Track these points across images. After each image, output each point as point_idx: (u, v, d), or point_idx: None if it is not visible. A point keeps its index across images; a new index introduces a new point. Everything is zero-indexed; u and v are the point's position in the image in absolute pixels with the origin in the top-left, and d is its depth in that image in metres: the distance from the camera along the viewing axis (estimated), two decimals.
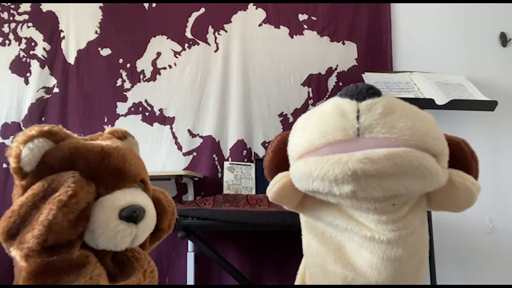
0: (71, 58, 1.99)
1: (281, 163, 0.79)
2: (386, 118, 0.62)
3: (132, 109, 1.94)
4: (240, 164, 1.80)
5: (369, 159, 0.59)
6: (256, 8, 2.04)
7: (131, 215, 0.65)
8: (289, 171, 0.76)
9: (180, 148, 1.90)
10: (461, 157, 0.74)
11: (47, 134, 0.64)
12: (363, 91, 0.64)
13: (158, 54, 1.99)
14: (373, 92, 0.65)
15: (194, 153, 1.90)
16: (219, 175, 1.85)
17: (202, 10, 2.03)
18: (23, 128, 1.90)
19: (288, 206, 0.82)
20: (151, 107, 1.95)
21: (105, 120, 1.92)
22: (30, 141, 0.63)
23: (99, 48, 2.00)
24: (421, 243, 0.73)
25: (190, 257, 1.72)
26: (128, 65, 1.98)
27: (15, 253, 0.58)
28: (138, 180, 0.74)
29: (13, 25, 2.01)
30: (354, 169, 0.59)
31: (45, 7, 2.03)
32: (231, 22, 2.02)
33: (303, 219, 0.86)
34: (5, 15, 2.01)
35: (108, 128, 0.84)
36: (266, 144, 1.88)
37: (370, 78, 1.84)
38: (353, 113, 0.63)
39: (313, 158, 0.65)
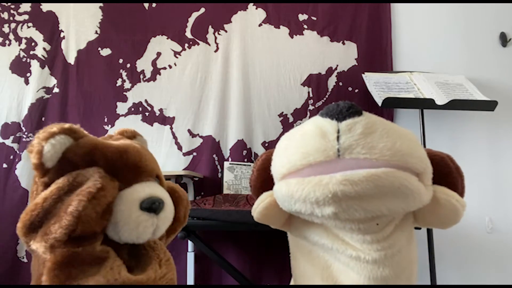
0: (71, 58, 1.99)
1: (266, 181, 0.79)
2: (366, 139, 0.62)
3: (132, 109, 1.94)
4: (240, 164, 1.80)
5: (349, 181, 0.59)
6: (256, 8, 2.04)
7: (151, 206, 0.67)
8: (273, 191, 0.76)
9: (180, 148, 1.90)
10: (447, 173, 0.73)
11: (68, 131, 0.66)
12: (344, 111, 0.64)
13: (158, 54, 1.99)
14: (353, 111, 0.64)
15: (194, 153, 1.90)
16: (219, 175, 1.85)
17: (202, 10, 2.03)
18: (23, 128, 1.90)
19: (274, 225, 0.82)
20: (151, 107, 1.95)
21: (105, 120, 1.92)
22: (52, 137, 0.64)
23: (99, 48, 2.00)
24: (408, 262, 0.72)
25: (190, 257, 1.72)
26: (128, 65, 1.98)
27: (37, 245, 0.60)
28: (154, 175, 0.76)
29: (13, 25, 2.01)
30: (334, 191, 0.59)
31: (45, 7, 2.03)
32: (231, 22, 2.02)
33: (291, 238, 0.86)
34: (5, 15, 2.01)
35: (117, 130, 0.86)
36: (266, 144, 1.88)
37: (370, 78, 1.84)
38: (334, 134, 0.63)
39: (294, 179, 0.65)
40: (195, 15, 2.03)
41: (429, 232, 1.59)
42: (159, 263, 0.70)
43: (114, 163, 0.69)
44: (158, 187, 0.74)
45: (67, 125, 0.66)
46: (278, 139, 0.78)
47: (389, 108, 1.90)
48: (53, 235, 0.58)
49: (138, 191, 0.68)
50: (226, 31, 2.01)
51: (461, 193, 0.73)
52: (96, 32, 2.01)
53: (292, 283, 0.91)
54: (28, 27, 2.01)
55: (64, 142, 0.66)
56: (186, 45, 2.00)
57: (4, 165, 1.85)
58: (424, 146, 1.70)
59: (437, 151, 0.76)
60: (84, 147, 0.68)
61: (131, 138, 0.84)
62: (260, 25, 2.02)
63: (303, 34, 2.02)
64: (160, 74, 1.98)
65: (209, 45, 2.00)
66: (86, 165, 0.66)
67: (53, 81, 1.96)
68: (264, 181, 0.80)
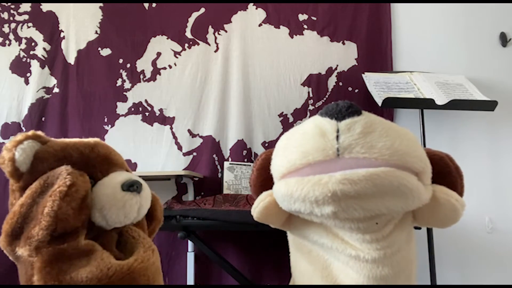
0: (71, 58, 1.99)
1: (266, 181, 0.79)
2: (365, 138, 0.62)
3: (132, 109, 1.94)
4: (240, 164, 1.80)
5: (348, 180, 0.59)
6: (256, 8, 2.04)
7: (132, 186, 0.71)
8: (272, 190, 0.76)
9: (180, 148, 1.90)
10: (446, 173, 0.74)
11: (33, 137, 0.70)
12: (343, 110, 0.64)
13: (158, 54, 1.99)
14: (353, 111, 0.64)
15: (194, 153, 1.90)
16: (219, 175, 1.85)
17: (202, 10, 2.03)
18: (23, 128, 1.90)
19: (274, 225, 0.82)
20: (151, 107, 1.95)
21: (105, 120, 1.92)
22: (20, 144, 0.68)
23: (99, 48, 2.00)
24: (407, 261, 0.72)
25: (190, 257, 1.72)
26: (128, 65, 1.98)
27: (22, 250, 0.61)
28: (125, 169, 0.80)
29: (13, 25, 2.01)
30: (334, 190, 0.59)
31: (45, 7, 2.03)
32: (231, 22, 2.02)
33: (291, 237, 0.86)
34: (5, 15, 2.01)
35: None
36: (266, 144, 1.88)
37: (370, 78, 1.84)
38: (333, 133, 0.63)
39: (294, 179, 0.66)
40: (195, 15, 2.03)
41: (429, 232, 1.59)
42: (152, 251, 0.73)
43: (88, 155, 0.72)
44: (132, 173, 0.78)
45: (30, 132, 0.70)
46: (278, 139, 0.78)
47: (389, 108, 1.90)
48: (35, 237, 0.60)
49: (116, 177, 0.72)
50: (226, 31, 2.01)
51: (460, 192, 0.73)
52: (96, 32, 2.01)
53: (291, 282, 0.91)
54: (28, 27, 2.01)
55: (33, 145, 0.69)
56: (186, 45, 2.00)
57: None
58: (424, 146, 1.70)
59: (436, 151, 0.76)
60: (55, 146, 0.71)
61: None
62: (260, 25, 2.02)
63: (303, 34, 2.02)
64: (160, 74, 1.98)
65: (209, 45, 2.00)
66: (59, 161, 0.69)
67: (53, 81, 1.96)
68: (264, 180, 0.81)
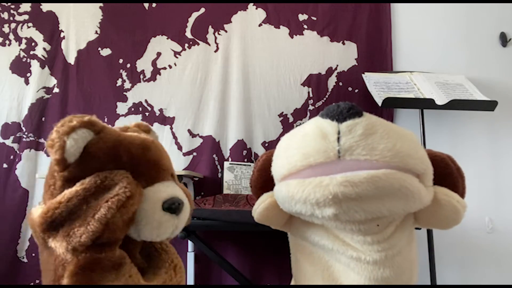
0: (71, 58, 1.99)
1: (267, 182, 0.79)
2: (366, 140, 0.61)
3: (132, 109, 1.94)
4: (240, 164, 1.80)
5: (350, 182, 0.59)
6: (256, 8, 2.04)
7: (173, 207, 0.67)
8: (273, 192, 0.76)
9: (180, 148, 1.90)
10: (447, 174, 0.73)
11: (88, 125, 0.65)
12: (344, 112, 0.64)
13: (158, 54, 1.99)
14: (354, 112, 0.64)
15: (194, 153, 1.90)
16: (219, 175, 1.85)
17: (202, 10, 2.03)
18: (23, 128, 1.90)
19: (274, 226, 0.82)
20: (151, 107, 1.95)
21: (105, 120, 1.92)
22: (73, 131, 0.63)
23: (99, 48, 2.00)
24: (408, 263, 0.72)
25: (190, 257, 1.72)
26: (128, 65, 1.98)
27: (57, 244, 0.59)
28: (170, 174, 0.76)
29: (13, 25, 2.01)
30: (335, 192, 0.59)
31: (45, 7, 2.03)
32: (231, 22, 2.02)
33: (291, 238, 0.86)
34: (5, 15, 2.01)
35: (133, 122, 0.84)
36: (266, 144, 1.87)
37: (370, 78, 1.84)
38: (334, 135, 0.63)
39: (295, 180, 0.65)
40: (195, 15, 2.03)
41: (429, 232, 1.58)
42: (173, 269, 0.71)
43: (138, 159, 0.68)
44: (177, 187, 0.74)
45: (86, 118, 0.66)
46: (278, 139, 0.78)
47: (389, 108, 1.90)
48: (78, 238, 0.58)
49: (160, 191, 0.68)
50: (226, 31, 2.01)
51: (461, 194, 0.73)
52: (96, 32, 2.01)
53: (292, 283, 0.91)
54: (28, 27, 2.01)
55: (86, 136, 0.65)
56: (186, 45, 2.00)
57: (5, 165, 1.85)
58: (424, 146, 1.70)
59: (437, 152, 0.76)
60: (108, 142, 0.67)
61: (146, 132, 0.84)
62: (260, 25, 2.02)
63: (303, 34, 2.02)
64: (160, 74, 1.98)
65: (209, 45, 2.00)
66: (109, 160, 0.66)
67: (53, 81, 1.96)
68: (264, 181, 0.80)
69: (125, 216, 0.61)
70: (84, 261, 0.60)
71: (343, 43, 2.01)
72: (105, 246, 0.61)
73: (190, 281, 1.69)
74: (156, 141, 0.76)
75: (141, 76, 1.97)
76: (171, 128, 1.92)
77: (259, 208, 0.77)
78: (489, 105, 1.67)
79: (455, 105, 1.65)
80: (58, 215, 0.59)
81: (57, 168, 0.64)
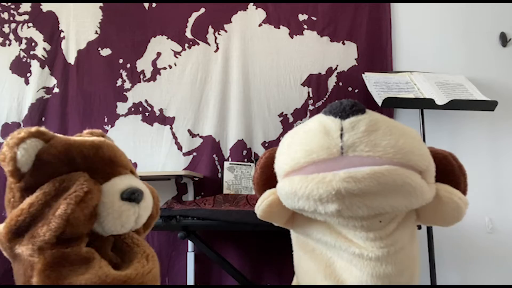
0: (71, 58, 1.99)
1: (270, 179, 0.79)
2: (369, 136, 0.62)
3: (132, 109, 1.94)
4: (240, 164, 1.80)
5: (353, 178, 0.59)
6: (256, 8, 2.04)
7: (132, 196, 0.69)
8: (276, 188, 0.76)
9: (180, 148, 1.90)
10: (449, 171, 0.74)
11: (37, 134, 0.68)
12: (347, 109, 0.64)
13: (158, 54, 1.99)
14: (357, 109, 0.65)
15: (194, 153, 1.90)
16: (219, 175, 1.85)
17: (202, 10, 2.03)
18: (23, 128, 1.90)
19: (277, 223, 0.82)
20: (151, 107, 1.95)
21: (105, 120, 1.92)
22: (22, 142, 0.66)
23: (99, 48, 2.00)
24: (410, 259, 0.72)
25: (190, 257, 1.72)
26: (128, 65, 1.98)
27: (23, 249, 0.61)
28: (129, 170, 0.78)
29: (13, 25, 2.01)
30: (338, 188, 0.60)
31: (45, 7, 2.03)
32: (231, 22, 2.02)
33: (294, 235, 0.86)
34: (5, 15, 2.01)
35: (85, 131, 0.86)
36: (266, 144, 1.87)
37: (370, 78, 1.84)
38: (337, 131, 0.63)
39: (298, 177, 0.66)
40: (195, 15, 2.03)
41: (429, 231, 1.58)
42: (146, 258, 0.72)
43: (92, 158, 0.71)
44: (135, 179, 0.76)
45: (33, 129, 0.68)
46: (278, 139, 0.78)
47: (389, 108, 1.90)
48: (42, 237, 0.60)
49: (117, 183, 0.70)
50: (226, 31, 2.01)
51: (463, 191, 0.74)
52: (96, 32, 2.01)
53: (294, 280, 0.91)
54: (28, 27, 2.01)
55: (36, 145, 0.67)
56: (186, 45, 2.00)
57: None
58: None
59: (439, 149, 0.76)
60: (59, 147, 0.69)
61: (101, 137, 0.85)
62: (260, 25, 2.02)
63: (303, 34, 2.02)
64: (160, 74, 1.98)
65: (209, 45, 2.00)
66: (63, 164, 0.67)
67: (53, 81, 1.96)
68: (267, 178, 0.81)
69: (86, 210, 0.63)
70: (50, 257, 0.62)
71: (343, 43, 2.01)
72: (70, 241, 0.63)
73: (190, 281, 1.69)
74: (108, 140, 0.79)
75: (141, 76, 1.97)
76: (171, 128, 1.92)
77: (262, 205, 0.78)
78: (489, 105, 1.67)
79: (455, 105, 1.65)
80: (22, 222, 0.61)
81: (13, 179, 0.67)
